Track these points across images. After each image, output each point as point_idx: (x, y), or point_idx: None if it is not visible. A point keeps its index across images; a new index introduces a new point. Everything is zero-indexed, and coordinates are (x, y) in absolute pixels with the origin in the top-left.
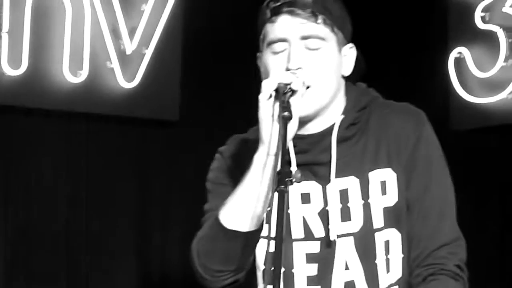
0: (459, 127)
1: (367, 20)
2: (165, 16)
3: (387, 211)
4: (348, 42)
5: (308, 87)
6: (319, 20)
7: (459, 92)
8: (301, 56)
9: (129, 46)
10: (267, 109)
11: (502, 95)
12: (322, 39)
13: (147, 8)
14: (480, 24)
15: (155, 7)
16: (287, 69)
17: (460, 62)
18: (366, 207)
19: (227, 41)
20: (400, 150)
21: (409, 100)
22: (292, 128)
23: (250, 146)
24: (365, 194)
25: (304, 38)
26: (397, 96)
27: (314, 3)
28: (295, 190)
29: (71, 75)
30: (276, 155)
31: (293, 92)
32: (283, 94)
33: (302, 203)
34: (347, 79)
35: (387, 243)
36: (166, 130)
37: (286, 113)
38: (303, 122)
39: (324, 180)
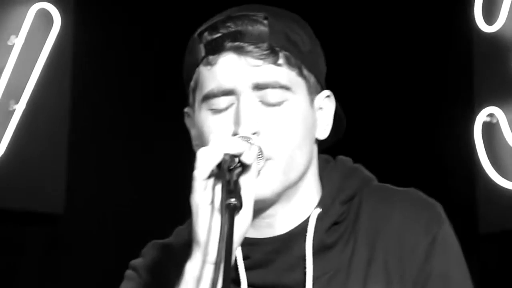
0: (489, 226)
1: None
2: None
3: None
4: (323, 89)
5: (267, 160)
6: (281, 60)
7: (490, 173)
8: (256, 115)
9: None
10: (205, 193)
11: None
12: (287, 88)
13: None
14: None
15: None
16: (235, 134)
17: (491, 129)
18: None
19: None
20: (403, 261)
21: (419, 185)
22: (242, 223)
23: (177, 254)
24: None
25: (259, 88)
26: (400, 178)
27: (272, 33)
28: None
29: None
30: (217, 263)
31: (245, 168)
32: (229, 171)
33: None
34: (320, 144)
35: None
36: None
37: (233, 200)
38: (258, 215)
39: None
